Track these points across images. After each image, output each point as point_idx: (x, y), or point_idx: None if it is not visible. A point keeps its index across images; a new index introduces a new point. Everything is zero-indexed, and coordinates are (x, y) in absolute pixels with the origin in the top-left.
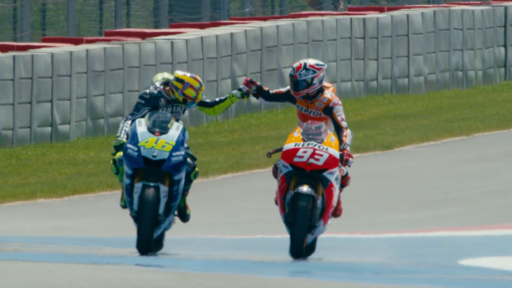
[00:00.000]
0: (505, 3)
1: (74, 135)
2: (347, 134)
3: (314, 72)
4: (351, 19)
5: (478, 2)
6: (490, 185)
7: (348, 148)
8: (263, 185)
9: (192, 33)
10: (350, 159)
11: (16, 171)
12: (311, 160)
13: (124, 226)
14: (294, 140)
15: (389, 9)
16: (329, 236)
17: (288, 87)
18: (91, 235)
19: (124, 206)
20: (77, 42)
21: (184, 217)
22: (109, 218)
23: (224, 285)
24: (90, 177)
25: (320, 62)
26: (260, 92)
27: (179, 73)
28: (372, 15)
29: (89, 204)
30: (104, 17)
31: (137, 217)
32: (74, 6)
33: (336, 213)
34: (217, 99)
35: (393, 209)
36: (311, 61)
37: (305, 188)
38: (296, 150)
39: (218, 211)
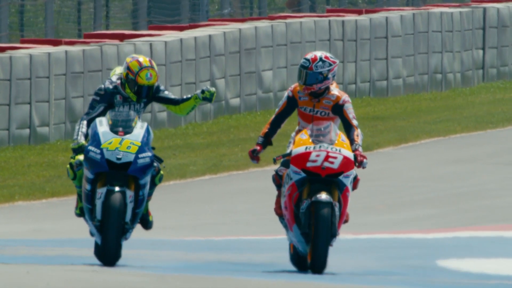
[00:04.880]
0: (484, 5)
1: (53, 137)
2: (359, 134)
3: (330, 65)
4: (329, 21)
5: (457, 4)
6: (468, 186)
7: (360, 149)
8: (241, 187)
9: (171, 35)
10: (364, 160)
11: None
12: (326, 164)
13: None
14: (303, 143)
15: (368, 12)
16: None
17: (286, 95)
18: (69, 237)
19: (79, 215)
20: (55, 43)
21: (147, 224)
22: None
23: (203, 287)
24: (69, 179)
25: (333, 56)
26: (269, 138)
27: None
28: (351, 17)
29: (68, 207)
30: (82, 19)
31: (101, 226)
32: (53, 8)
33: (345, 219)
34: (184, 97)
35: (371, 211)
36: (325, 53)
37: (323, 196)
38: (308, 154)
39: (196, 213)
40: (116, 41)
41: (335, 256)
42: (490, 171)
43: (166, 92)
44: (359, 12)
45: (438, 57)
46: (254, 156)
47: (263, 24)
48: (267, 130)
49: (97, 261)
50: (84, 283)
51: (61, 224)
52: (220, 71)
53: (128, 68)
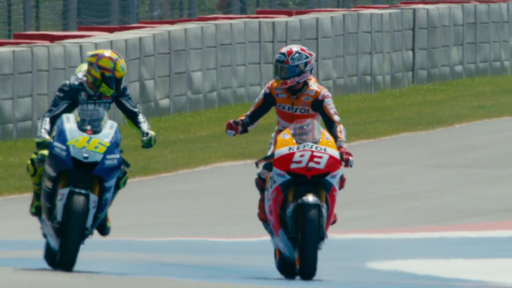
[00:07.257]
0: (414, 6)
1: None
2: (341, 130)
3: (307, 57)
4: (259, 22)
5: (387, 6)
6: (399, 188)
7: (345, 145)
8: (170, 189)
9: (101, 37)
10: (350, 158)
11: None
12: (311, 164)
13: (32, 229)
14: (285, 143)
15: (298, 13)
16: (237, 240)
17: (263, 91)
18: (6, 238)
19: (35, 214)
20: None
21: (104, 230)
22: (17, 221)
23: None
24: (3, 179)
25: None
26: (245, 126)
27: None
28: (281, 19)
29: (2, 208)
30: (12, 19)
31: (61, 229)
32: None
33: (333, 219)
34: (139, 117)
35: None
36: (300, 46)
37: (310, 198)
38: (292, 155)
39: (125, 214)
40: (47, 42)
41: (264, 257)
42: (420, 173)
43: (129, 100)
44: (289, 14)
45: (367, 58)
46: (234, 125)
47: (193, 25)
48: (243, 118)
49: (26, 262)
50: (14, 284)
51: None
52: (149, 72)
53: (101, 67)
